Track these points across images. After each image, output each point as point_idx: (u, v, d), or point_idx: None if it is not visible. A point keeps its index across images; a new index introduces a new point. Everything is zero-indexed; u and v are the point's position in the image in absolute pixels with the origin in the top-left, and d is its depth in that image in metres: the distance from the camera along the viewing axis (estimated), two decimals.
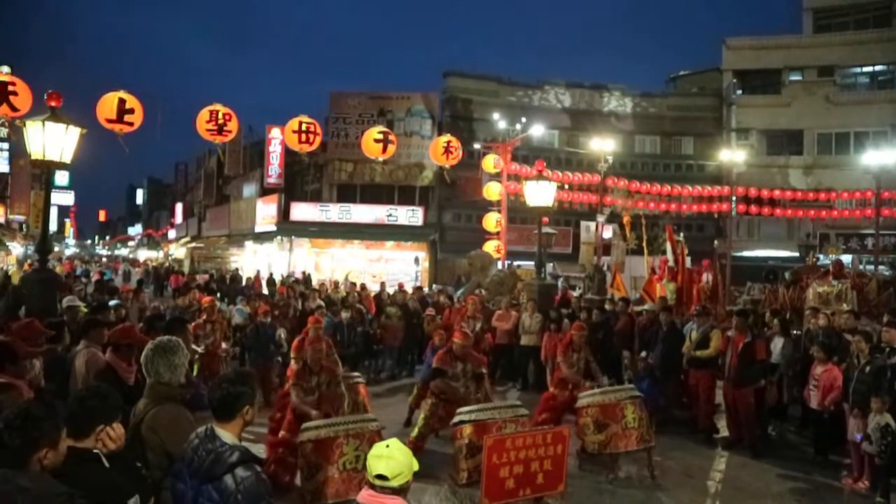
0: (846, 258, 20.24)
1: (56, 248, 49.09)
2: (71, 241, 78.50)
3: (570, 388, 7.97)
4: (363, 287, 15.40)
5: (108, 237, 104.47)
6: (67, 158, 7.72)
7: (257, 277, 23.60)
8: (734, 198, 22.31)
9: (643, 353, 9.74)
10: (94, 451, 2.69)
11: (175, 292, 22.74)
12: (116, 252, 79.75)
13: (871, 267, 18.76)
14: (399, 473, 2.64)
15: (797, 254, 24.80)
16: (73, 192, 47.61)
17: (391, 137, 14.83)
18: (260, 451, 6.48)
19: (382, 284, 17.02)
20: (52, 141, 7.51)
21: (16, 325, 5.33)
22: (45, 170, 8.27)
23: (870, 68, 29.78)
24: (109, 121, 10.41)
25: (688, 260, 13.99)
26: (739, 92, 30.83)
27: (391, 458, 2.65)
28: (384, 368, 12.93)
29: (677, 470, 7.40)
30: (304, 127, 13.40)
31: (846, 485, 7.04)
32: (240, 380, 2.92)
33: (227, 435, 2.78)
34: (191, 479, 2.72)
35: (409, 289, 16.98)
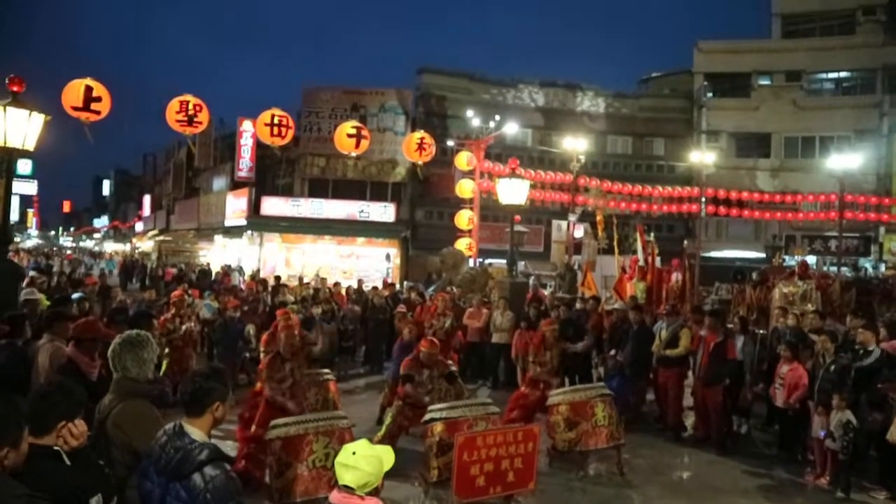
0: (811, 259, 20.69)
1: (17, 239, 47.86)
2: (34, 231, 76.65)
3: (541, 387, 8.00)
4: (336, 284, 15.28)
5: (72, 228, 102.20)
6: (30, 146, 7.50)
7: (225, 272, 23.28)
8: (703, 199, 22.64)
9: (613, 352, 9.81)
10: (55, 448, 2.61)
11: (166, 285, 22.16)
12: (81, 244, 78.05)
13: (835, 268, 19.19)
14: (365, 483, 2.62)
15: (764, 254, 25.32)
16: (36, 182, 46.47)
17: (364, 133, 14.71)
18: (229, 448, 6.38)
19: (360, 282, 16.91)
20: (14, 127, 7.28)
21: None
22: (6, 157, 8.02)
23: (835, 74, 30.49)
24: (75, 108, 10.13)
25: (658, 260, 14.15)
26: (710, 94, 31.31)
27: (357, 469, 2.61)
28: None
29: (646, 467, 7.48)
30: (276, 120, 13.23)
31: (809, 481, 7.18)
32: (213, 375, 2.85)
33: (196, 432, 2.71)
34: (158, 478, 2.65)
35: (378, 285, 16.91)
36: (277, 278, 17.30)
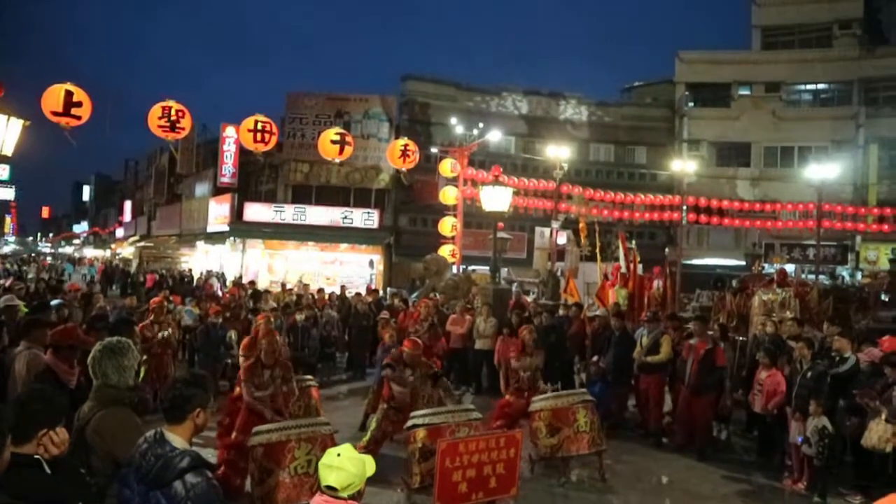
0: (790, 267, 20.94)
1: None
2: (11, 237, 75.55)
3: (525, 395, 8.01)
4: (320, 290, 15.24)
5: (51, 234, 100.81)
6: (8, 151, 7.46)
7: (205, 278, 23.13)
8: (685, 207, 22.84)
9: (595, 358, 9.88)
10: (35, 456, 2.59)
11: (147, 292, 21.93)
12: (60, 250, 77.07)
13: (813, 276, 19.45)
14: (349, 484, 2.61)
15: (744, 262, 25.58)
16: (13, 187, 45.73)
17: (348, 139, 14.74)
18: (209, 455, 6.34)
19: (343, 288, 16.90)
20: None
21: None
22: None
23: (813, 86, 31.00)
24: (55, 114, 10.05)
25: (639, 267, 14.27)
26: (691, 104, 31.67)
27: (341, 469, 2.61)
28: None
29: (628, 473, 7.53)
30: (259, 126, 13.21)
31: (787, 486, 7.28)
32: (194, 381, 2.84)
33: (177, 439, 2.70)
34: (138, 486, 2.63)
35: (361, 291, 16.90)
36: (252, 283, 17.23)
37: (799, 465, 7.21)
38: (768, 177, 29.69)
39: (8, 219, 70.44)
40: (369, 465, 2.73)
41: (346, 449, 2.71)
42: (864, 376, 7.10)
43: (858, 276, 24.33)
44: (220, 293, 16.84)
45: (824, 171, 20.90)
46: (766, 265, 20.60)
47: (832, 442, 6.71)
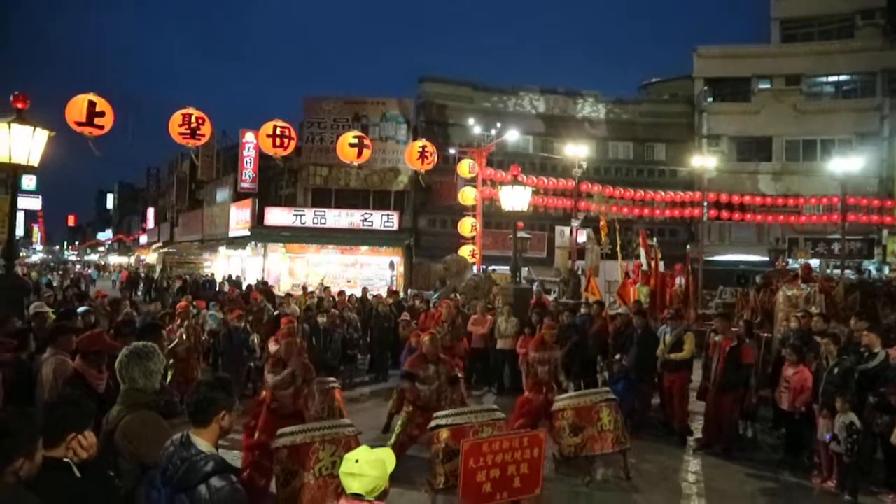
0: (814, 262, 20.64)
1: (23, 254, 48.02)
2: (38, 246, 76.93)
3: (544, 391, 7.97)
4: (341, 293, 15.32)
5: (77, 242, 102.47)
6: (35, 161, 7.57)
7: (229, 283, 23.33)
8: (706, 203, 22.65)
9: (618, 356, 9.81)
10: (65, 459, 2.64)
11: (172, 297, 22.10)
12: (86, 258, 78.30)
13: (838, 271, 19.15)
14: (374, 488, 2.61)
15: (767, 258, 25.28)
16: (40, 197, 46.57)
17: (366, 142, 14.82)
18: (235, 457, 6.40)
19: (364, 290, 16.97)
20: (19, 143, 7.35)
21: None
22: (12, 173, 8.10)
23: (834, 78, 30.53)
24: (79, 124, 10.25)
25: (661, 264, 14.14)
26: (710, 99, 31.32)
27: (363, 476, 2.60)
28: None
29: (652, 472, 7.47)
30: (278, 131, 13.34)
31: (815, 484, 7.16)
32: (218, 384, 2.86)
33: (202, 443, 2.72)
34: (164, 488, 2.66)
35: (382, 293, 16.97)
36: (265, 283, 17.40)
37: (828, 463, 7.08)
38: (791, 171, 29.29)
39: (35, 228, 71.73)
40: (389, 461, 2.72)
41: (363, 452, 2.70)
42: (892, 372, 6.97)
43: (886, 269, 23.91)
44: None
45: (848, 164, 20.59)
46: (789, 260, 20.32)
47: (861, 438, 6.59)
